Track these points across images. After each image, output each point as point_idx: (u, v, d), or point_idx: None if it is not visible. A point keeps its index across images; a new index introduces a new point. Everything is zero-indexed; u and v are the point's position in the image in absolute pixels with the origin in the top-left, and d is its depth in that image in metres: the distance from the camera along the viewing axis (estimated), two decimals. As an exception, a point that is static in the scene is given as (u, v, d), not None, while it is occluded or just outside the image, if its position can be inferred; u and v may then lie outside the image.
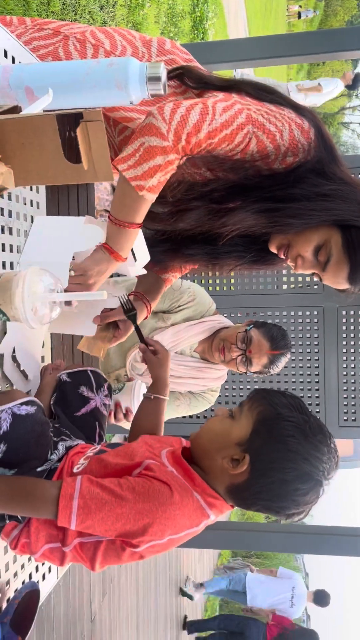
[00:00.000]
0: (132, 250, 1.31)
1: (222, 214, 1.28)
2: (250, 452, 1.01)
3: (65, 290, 1.15)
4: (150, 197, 1.17)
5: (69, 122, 0.84)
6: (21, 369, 1.22)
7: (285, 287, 2.86)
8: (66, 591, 2.97)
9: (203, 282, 2.99)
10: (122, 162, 1.14)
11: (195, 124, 1.12)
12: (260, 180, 1.25)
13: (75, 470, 1.07)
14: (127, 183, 1.15)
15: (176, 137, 1.12)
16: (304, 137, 1.22)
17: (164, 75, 1.03)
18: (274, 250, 1.34)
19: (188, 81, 1.27)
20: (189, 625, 6.86)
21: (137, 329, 1.46)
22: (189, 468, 1.05)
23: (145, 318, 1.58)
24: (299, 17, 12.64)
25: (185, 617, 7.08)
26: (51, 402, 1.28)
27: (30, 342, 1.30)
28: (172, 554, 6.37)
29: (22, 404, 1.00)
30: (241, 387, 2.86)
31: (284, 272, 2.87)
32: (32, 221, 1.29)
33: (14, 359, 1.19)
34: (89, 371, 1.34)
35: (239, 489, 1.02)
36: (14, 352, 1.19)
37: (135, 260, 1.35)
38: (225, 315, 2.87)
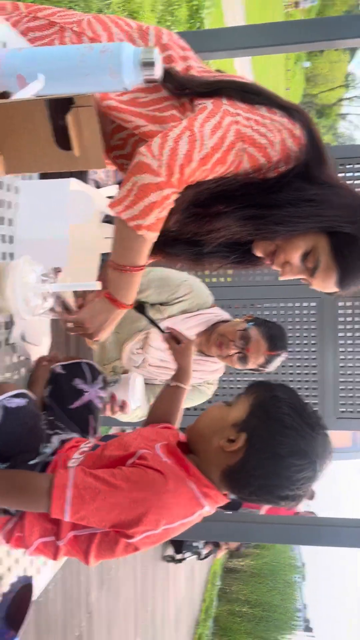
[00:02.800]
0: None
1: (206, 220, 1.26)
2: (246, 430, 1.01)
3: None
4: (150, 236, 1.14)
5: (60, 107, 0.82)
6: (30, 341, 1.24)
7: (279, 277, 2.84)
8: (64, 583, 2.97)
9: (199, 273, 2.97)
10: (117, 204, 1.11)
11: (185, 154, 1.09)
12: (247, 187, 1.22)
13: (70, 464, 1.06)
14: (125, 225, 1.12)
15: (169, 171, 1.09)
16: (296, 144, 1.20)
17: (158, 60, 1.00)
18: (259, 254, 1.31)
19: (169, 86, 1.23)
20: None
21: (152, 321, 1.46)
22: (184, 458, 1.04)
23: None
24: (297, 6, 12.56)
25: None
26: (45, 395, 1.27)
27: (38, 326, 1.30)
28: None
29: (12, 396, 0.99)
30: (238, 378, 2.85)
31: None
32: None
33: (23, 338, 1.21)
34: (83, 363, 1.33)
35: (234, 470, 1.02)
36: (23, 337, 1.20)
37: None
38: (223, 307, 2.85)
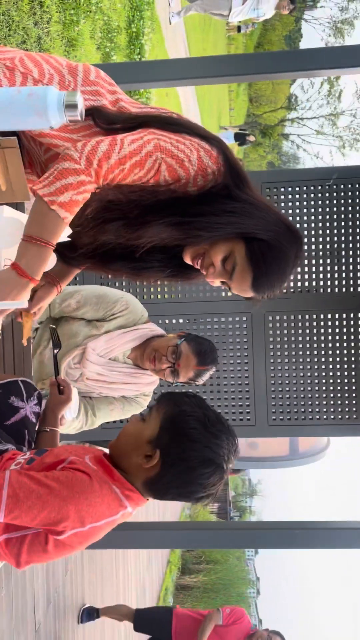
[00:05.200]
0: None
1: (138, 227, 1.38)
2: (160, 447, 1.15)
3: None
4: (62, 214, 1.23)
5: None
6: None
7: (215, 294, 3.00)
8: (9, 601, 2.97)
9: (145, 290, 3.08)
10: (38, 183, 1.23)
11: (105, 152, 1.24)
12: (174, 200, 1.36)
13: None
14: (41, 199, 1.23)
15: (88, 162, 1.23)
16: (212, 162, 1.35)
17: (80, 102, 1.12)
18: (188, 261, 1.46)
19: (98, 122, 1.36)
20: None
21: (56, 363, 1.61)
22: (109, 465, 1.17)
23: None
24: (239, 30, 12.97)
25: None
26: None
27: None
28: (120, 560, 6.38)
29: None
30: (176, 390, 2.97)
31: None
32: None
33: None
34: (19, 381, 1.42)
35: (153, 482, 1.15)
36: None
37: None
38: (161, 322, 2.98)
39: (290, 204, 2.84)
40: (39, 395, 1.45)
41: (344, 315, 2.89)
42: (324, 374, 2.88)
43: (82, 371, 2.07)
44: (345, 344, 2.89)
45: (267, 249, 1.36)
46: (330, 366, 2.89)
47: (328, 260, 2.86)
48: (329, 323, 2.89)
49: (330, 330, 2.89)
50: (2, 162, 0.91)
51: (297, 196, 2.83)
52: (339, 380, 2.89)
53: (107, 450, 1.26)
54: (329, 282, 2.88)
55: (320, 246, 2.84)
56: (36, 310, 1.56)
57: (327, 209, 2.83)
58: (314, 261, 2.82)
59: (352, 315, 2.89)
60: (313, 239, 2.84)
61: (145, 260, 1.52)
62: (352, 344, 2.89)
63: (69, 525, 1.06)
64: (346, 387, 2.89)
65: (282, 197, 2.84)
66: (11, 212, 1.30)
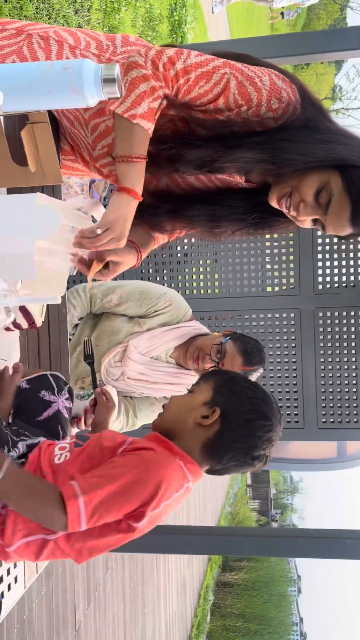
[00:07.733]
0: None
1: (225, 150, 1.30)
2: (218, 405, 1.16)
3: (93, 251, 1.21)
4: (146, 125, 1.21)
5: (18, 124, 0.82)
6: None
7: (260, 289, 2.88)
8: (49, 600, 2.94)
9: (187, 284, 2.99)
10: (114, 102, 1.20)
11: (170, 57, 1.21)
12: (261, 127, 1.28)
13: (56, 461, 1.10)
14: (121, 117, 1.20)
15: (154, 65, 1.20)
16: (287, 85, 1.26)
17: (118, 76, 1.02)
18: (274, 203, 1.35)
19: None
20: None
21: (93, 374, 1.59)
22: (165, 439, 1.14)
23: (134, 267, 1.53)
24: (282, 16, 12.70)
25: None
26: (11, 412, 1.27)
27: (6, 341, 1.31)
28: (160, 558, 6.35)
29: None
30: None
31: (268, 273, 2.90)
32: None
33: None
34: (48, 375, 1.35)
35: (213, 440, 1.14)
36: None
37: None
38: (209, 318, 2.88)
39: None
40: (70, 390, 1.37)
41: None
42: (377, 374, 2.72)
43: (123, 370, 1.98)
44: None
45: None
46: (385, 366, 2.73)
47: (383, 253, 2.70)
48: (384, 320, 2.73)
49: (384, 328, 2.73)
50: (32, 139, 0.82)
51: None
52: (393, 381, 2.73)
53: None
54: (383, 276, 2.72)
55: (375, 237, 2.68)
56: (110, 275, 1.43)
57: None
58: (367, 254, 2.67)
59: None
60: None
61: (225, 205, 1.43)
62: None
63: (148, 509, 1.02)
64: None
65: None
66: (45, 200, 1.21)
